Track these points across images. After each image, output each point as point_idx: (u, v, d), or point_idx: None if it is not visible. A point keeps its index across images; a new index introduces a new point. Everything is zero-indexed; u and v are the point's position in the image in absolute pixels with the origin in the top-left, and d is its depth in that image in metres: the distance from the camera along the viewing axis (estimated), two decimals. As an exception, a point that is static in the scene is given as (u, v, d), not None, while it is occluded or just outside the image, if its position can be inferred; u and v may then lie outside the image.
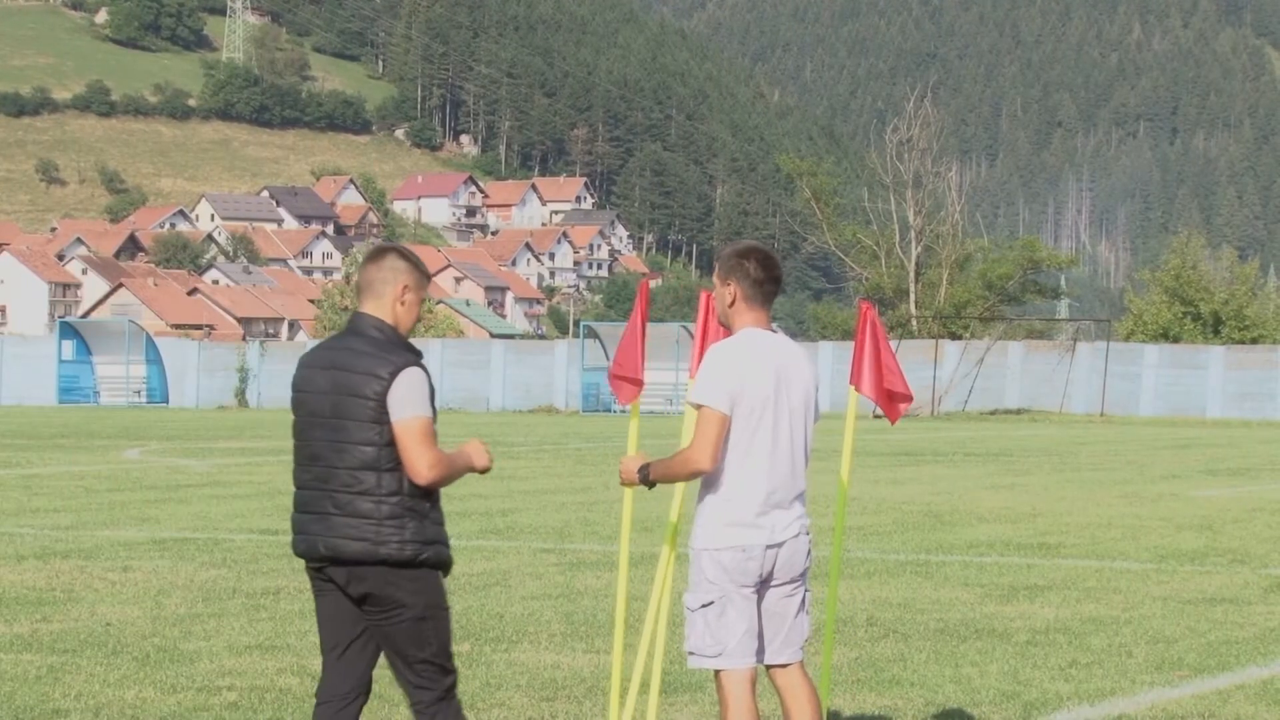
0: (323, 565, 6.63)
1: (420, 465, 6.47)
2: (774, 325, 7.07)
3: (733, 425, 6.83)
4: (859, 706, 9.46)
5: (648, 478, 7.01)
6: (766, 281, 6.95)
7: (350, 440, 6.56)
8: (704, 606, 6.88)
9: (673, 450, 7.11)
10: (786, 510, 6.88)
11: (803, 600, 7.00)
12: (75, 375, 70.00)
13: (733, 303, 6.94)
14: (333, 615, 6.64)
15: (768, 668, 7.02)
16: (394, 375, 6.49)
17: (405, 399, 6.49)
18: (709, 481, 6.90)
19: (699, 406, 6.84)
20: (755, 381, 6.84)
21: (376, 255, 6.71)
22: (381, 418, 6.51)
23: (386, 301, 6.63)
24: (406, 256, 6.70)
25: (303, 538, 6.68)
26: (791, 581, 6.94)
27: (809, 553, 6.98)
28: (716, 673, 6.90)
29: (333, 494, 6.60)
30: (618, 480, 7.19)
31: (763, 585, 6.90)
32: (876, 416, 52.08)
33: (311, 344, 73.86)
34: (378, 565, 6.51)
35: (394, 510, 6.51)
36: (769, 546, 6.84)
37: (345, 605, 6.63)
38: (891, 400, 7.99)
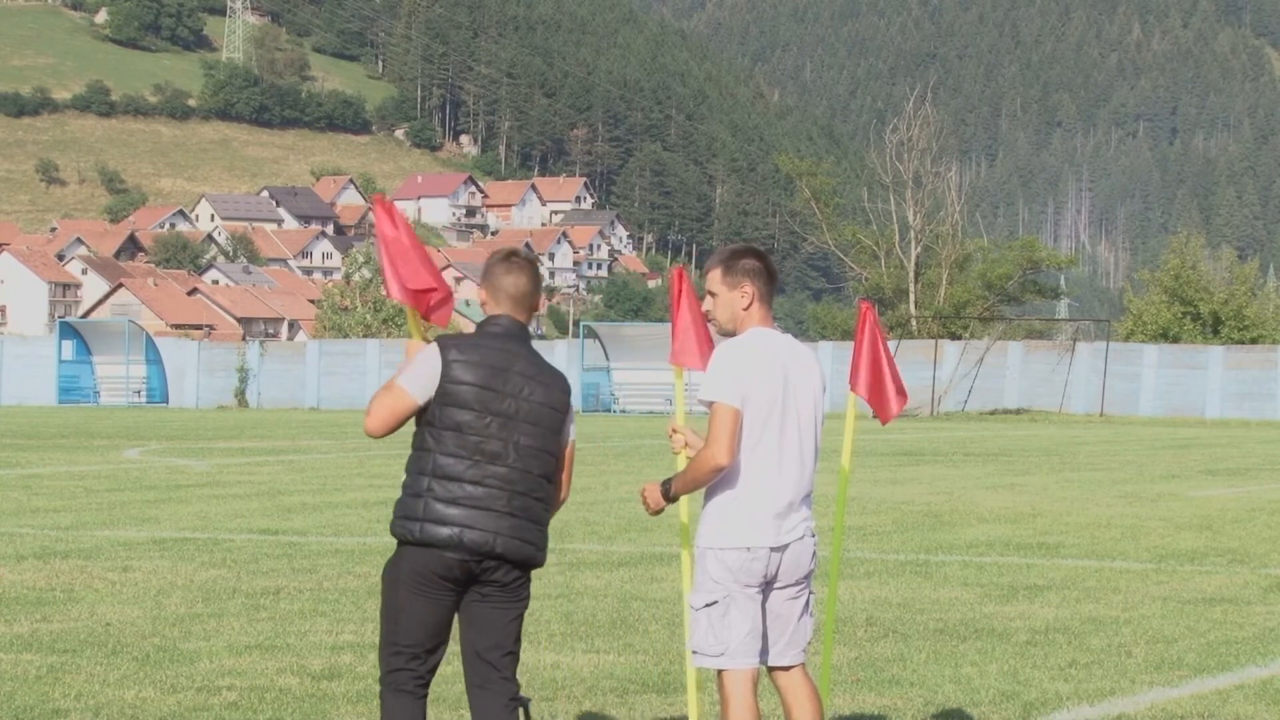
0: (475, 560, 6.67)
1: (568, 486, 6.91)
2: (776, 325, 7.06)
3: (742, 424, 6.81)
4: (859, 706, 9.46)
5: (669, 493, 6.96)
6: (775, 278, 6.98)
7: (543, 448, 6.73)
8: (707, 606, 6.86)
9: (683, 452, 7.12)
10: (794, 512, 6.87)
11: (806, 603, 7.00)
12: (75, 375, 70.03)
13: (749, 305, 6.90)
14: (439, 620, 6.72)
15: (769, 669, 7.01)
16: (569, 394, 6.83)
17: (572, 419, 6.86)
18: (716, 480, 6.88)
19: (710, 403, 6.80)
20: (765, 381, 6.81)
21: (527, 264, 6.89)
22: (563, 431, 6.79)
23: (526, 312, 6.89)
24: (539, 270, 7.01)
25: (467, 531, 6.64)
26: (796, 584, 6.93)
27: (814, 555, 6.96)
28: (719, 672, 6.90)
29: (518, 496, 6.69)
30: (641, 504, 7.17)
31: (767, 586, 6.89)
32: (875, 417, 52.10)
33: (311, 344, 73.81)
34: (532, 568, 6.78)
35: (548, 519, 6.82)
36: (774, 548, 6.83)
37: (449, 611, 6.75)
38: (884, 398, 7.98)
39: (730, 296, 6.93)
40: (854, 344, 7.96)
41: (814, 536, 6.96)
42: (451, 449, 6.64)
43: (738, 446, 6.78)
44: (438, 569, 6.65)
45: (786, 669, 6.99)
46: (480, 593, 6.71)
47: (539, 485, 6.69)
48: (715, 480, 6.84)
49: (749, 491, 6.82)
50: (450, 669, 10.28)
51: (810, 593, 7.01)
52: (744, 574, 6.82)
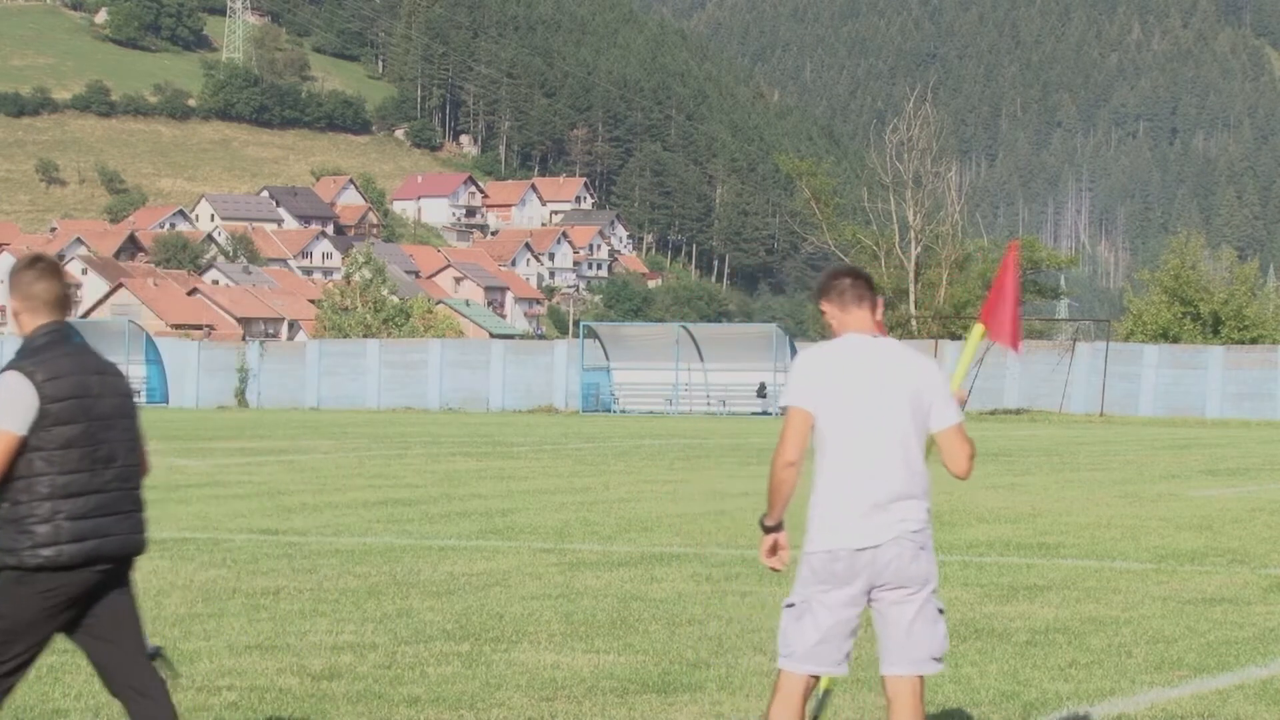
0: (114, 567, 6.73)
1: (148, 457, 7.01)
2: (879, 331, 7.03)
3: (823, 427, 6.85)
4: (859, 706, 9.45)
5: (764, 522, 7.00)
6: (846, 278, 7.00)
7: (137, 438, 6.85)
8: (789, 606, 6.94)
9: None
10: (884, 512, 6.81)
11: (922, 610, 6.88)
12: (75, 375, 70.02)
13: (834, 321, 7.01)
14: (51, 637, 6.79)
15: (883, 675, 7.00)
16: (125, 377, 6.99)
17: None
18: (811, 486, 6.92)
19: (784, 408, 6.92)
20: (839, 385, 6.85)
21: (53, 267, 6.82)
22: (138, 412, 6.93)
23: (64, 312, 6.82)
24: None
25: (106, 541, 6.69)
26: (901, 587, 6.85)
27: (918, 557, 6.86)
28: (779, 668, 6.96)
29: (131, 491, 6.81)
30: (760, 559, 7.13)
31: (872, 590, 6.86)
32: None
33: (311, 344, 73.82)
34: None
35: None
36: (860, 549, 6.80)
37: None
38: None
39: (825, 321, 7.06)
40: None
41: (916, 537, 6.86)
42: (71, 465, 6.63)
43: (804, 445, 6.86)
44: (77, 586, 6.66)
45: (897, 679, 6.93)
46: (111, 598, 6.75)
47: (139, 474, 6.84)
48: (792, 481, 6.85)
49: (830, 495, 6.84)
50: (449, 669, 10.29)
51: (927, 600, 6.89)
52: (827, 576, 6.83)
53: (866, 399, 6.84)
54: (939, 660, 6.95)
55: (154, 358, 70.36)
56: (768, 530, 6.98)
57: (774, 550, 7.00)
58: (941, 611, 6.96)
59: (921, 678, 6.96)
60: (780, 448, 6.87)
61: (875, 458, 6.83)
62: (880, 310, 7.10)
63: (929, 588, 6.89)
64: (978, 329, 8.07)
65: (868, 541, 6.80)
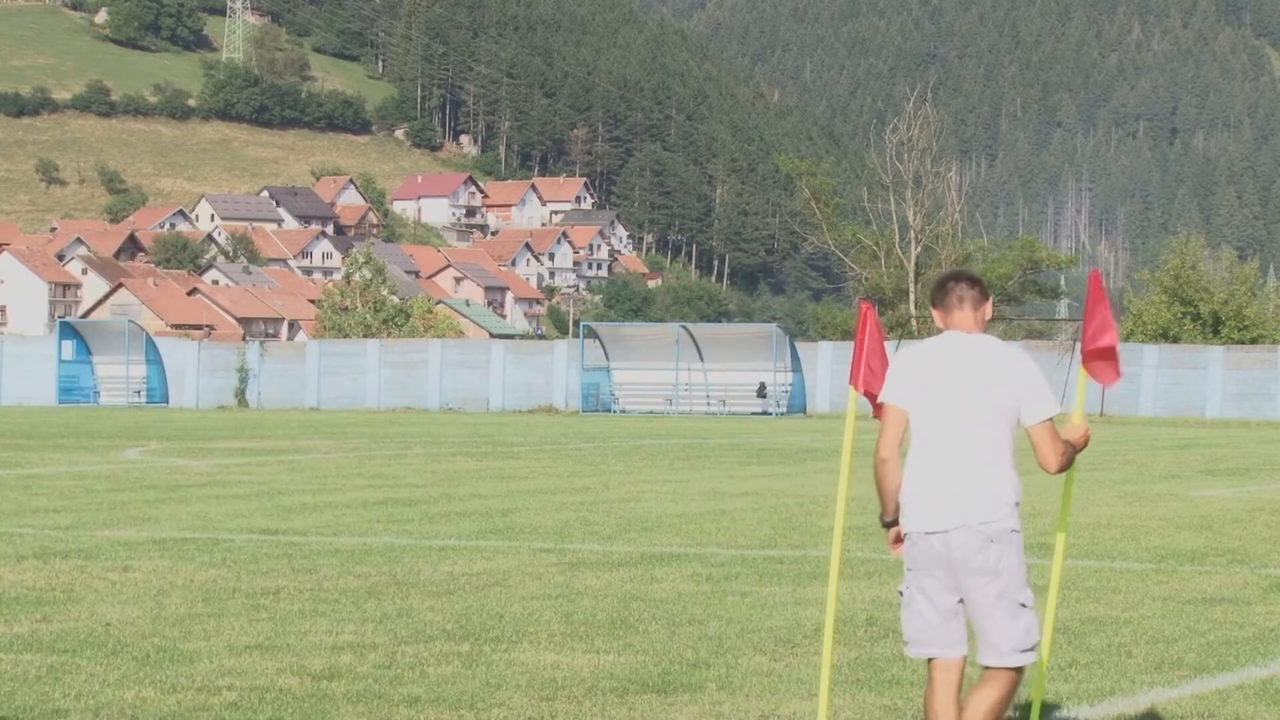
0: None
1: None
2: (979, 329, 7.24)
3: (914, 420, 7.12)
4: (859, 706, 9.45)
5: (881, 518, 7.29)
6: (948, 283, 7.32)
7: None
8: (901, 593, 7.15)
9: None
10: (955, 499, 6.99)
11: (998, 599, 6.98)
12: (75, 375, 70.07)
13: (939, 319, 7.33)
14: None
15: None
16: None
17: None
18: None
19: (882, 404, 7.21)
20: (931, 377, 7.09)
21: None
22: None
23: None
24: None
25: None
26: (976, 575, 6.98)
27: (984, 549, 6.97)
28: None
29: None
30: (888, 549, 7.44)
31: (959, 576, 6.99)
32: (875, 417, 52.09)
33: (311, 344, 73.94)
34: None
35: None
36: (929, 533, 7.01)
37: None
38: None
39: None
40: (854, 344, 8.00)
41: (985, 528, 6.98)
42: None
43: (900, 442, 7.15)
44: None
45: (987, 668, 7.03)
46: None
47: None
48: (890, 475, 7.16)
49: (911, 481, 7.09)
50: (449, 669, 10.29)
51: (1003, 591, 6.98)
52: (911, 560, 7.08)
53: (953, 392, 7.06)
54: (1026, 652, 7.02)
55: (154, 358, 70.37)
56: (886, 525, 7.27)
57: (897, 542, 7.26)
58: (1024, 605, 7.04)
59: (1018, 671, 7.02)
60: (877, 444, 7.20)
61: (955, 448, 7.03)
62: (988, 309, 7.36)
63: (1002, 580, 6.99)
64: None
65: (936, 526, 7.00)
